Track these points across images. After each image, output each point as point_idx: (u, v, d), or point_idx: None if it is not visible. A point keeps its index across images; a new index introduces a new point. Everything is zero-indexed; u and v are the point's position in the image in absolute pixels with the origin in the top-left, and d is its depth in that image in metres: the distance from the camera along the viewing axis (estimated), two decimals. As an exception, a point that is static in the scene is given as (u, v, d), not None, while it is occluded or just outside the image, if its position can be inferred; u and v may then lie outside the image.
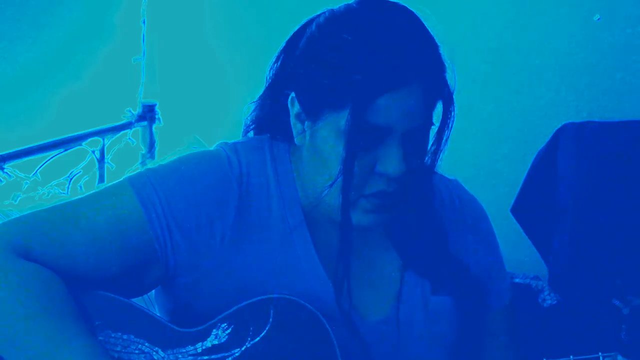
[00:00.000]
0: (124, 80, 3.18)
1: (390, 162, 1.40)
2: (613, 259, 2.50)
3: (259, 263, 1.48)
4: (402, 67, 1.37)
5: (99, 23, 3.08)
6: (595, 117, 2.78)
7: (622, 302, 2.32)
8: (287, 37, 1.51)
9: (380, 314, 1.52)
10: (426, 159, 1.46)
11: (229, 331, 1.44)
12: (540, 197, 2.66)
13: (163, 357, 1.43)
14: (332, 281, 1.49)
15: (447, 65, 1.43)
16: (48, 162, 2.89)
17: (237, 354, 1.43)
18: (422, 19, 1.43)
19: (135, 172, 1.49)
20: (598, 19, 2.86)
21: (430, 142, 1.45)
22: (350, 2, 1.45)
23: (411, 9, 1.44)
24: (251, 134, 1.59)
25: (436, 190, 1.57)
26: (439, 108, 1.44)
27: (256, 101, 1.56)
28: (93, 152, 3.02)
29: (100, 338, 1.42)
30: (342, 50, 1.38)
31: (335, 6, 1.46)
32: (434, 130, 1.45)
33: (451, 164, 1.53)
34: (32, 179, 2.85)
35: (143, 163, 3.16)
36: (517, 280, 2.60)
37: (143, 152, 3.24)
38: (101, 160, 3.05)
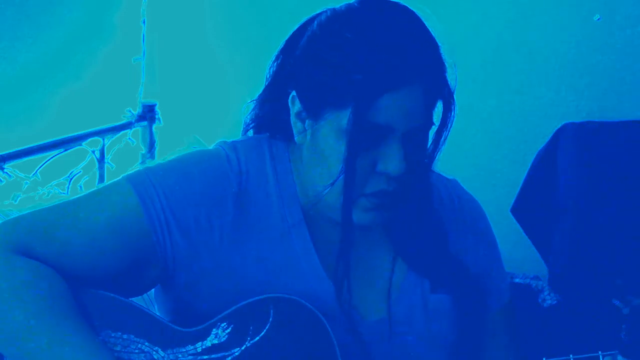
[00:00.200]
0: (124, 80, 3.18)
1: (391, 161, 1.40)
2: (613, 259, 2.51)
3: (258, 262, 1.48)
4: (404, 67, 1.37)
5: (99, 23, 3.08)
6: (595, 117, 2.78)
7: (622, 302, 2.32)
8: (287, 36, 1.51)
9: (379, 313, 1.52)
10: (425, 158, 1.46)
11: (228, 330, 1.44)
12: (540, 197, 2.66)
13: (163, 357, 1.43)
14: (331, 280, 1.49)
15: (447, 65, 1.43)
16: (48, 162, 2.89)
17: (237, 354, 1.43)
18: (423, 19, 1.43)
19: (133, 171, 1.49)
20: (598, 19, 2.86)
21: (430, 142, 1.45)
22: (352, 1, 1.45)
23: (412, 9, 1.44)
24: (251, 132, 1.59)
25: (435, 190, 1.57)
26: (438, 108, 1.44)
27: (256, 100, 1.57)
28: (93, 152, 3.02)
29: (100, 338, 1.42)
30: (343, 49, 1.38)
31: (336, 6, 1.46)
32: (433, 129, 1.45)
33: (451, 164, 1.53)
34: (32, 179, 2.85)
35: (143, 163, 3.15)
36: (517, 280, 2.61)
37: (143, 152, 3.24)
38: (101, 160, 3.05)
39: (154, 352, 1.43)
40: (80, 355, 1.34)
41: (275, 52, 1.52)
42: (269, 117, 1.55)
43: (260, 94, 1.56)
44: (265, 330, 1.43)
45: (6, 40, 2.83)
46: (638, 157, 2.56)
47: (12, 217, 1.45)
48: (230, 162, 1.49)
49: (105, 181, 2.96)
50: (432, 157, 1.46)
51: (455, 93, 1.45)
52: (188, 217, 1.45)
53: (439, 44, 1.43)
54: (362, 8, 1.42)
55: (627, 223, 2.52)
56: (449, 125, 1.44)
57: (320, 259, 1.50)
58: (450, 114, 1.44)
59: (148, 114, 3.22)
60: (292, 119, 1.46)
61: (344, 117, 1.38)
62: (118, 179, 1.49)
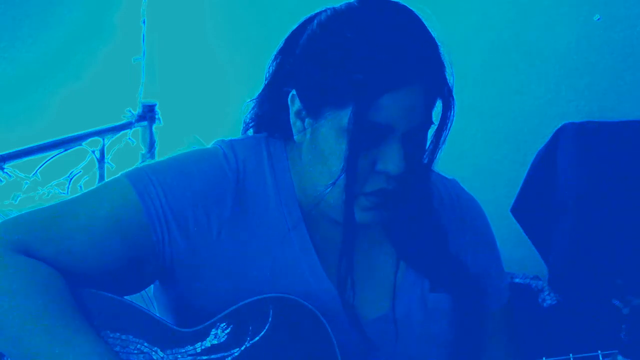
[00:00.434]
0: (124, 80, 3.18)
1: (391, 160, 1.40)
2: (613, 259, 2.51)
3: (256, 260, 1.48)
4: (404, 67, 1.37)
5: (99, 23, 3.08)
6: (595, 117, 2.78)
7: (622, 302, 2.32)
8: (286, 35, 1.51)
9: (378, 312, 1.52)
10: (425, 157, 1.46)
11: (228, 331, 1.44)
12: (540, 197, 2.66)
13: (162, 357, 1.43)
14: (331, 280, 1.49)
15: (447, 64, 1.44)
16: (48, 162, 2.89)
17: (236, 354, 1.43)
18: (423, 19, 1.43)
19: (132, 169, 1.50)
20: (598, 19, 2.86)
21: (429, 141, 1.45)
22: (352, 0, 1.45)
23: (412, 8, 1.44)
24: (250, 132, 1.59)
25: (435, 189, 1.57)
26: (438, 107, 1.44)
27: (255, 99, 1.57)
28: (93, 152, 3.02)
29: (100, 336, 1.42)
30: (344, 48, 1.38)
31: (336, 5, 1.46)
32: (432, 129, 1.45)
33: (451, 164, 1.53)
34: (32, 179, 2.85)
35: (143, 163, 3.15)
36: (517, 280, 2.61)
37: (143, 152, 3.24)
38: (101, 160, 3.05)
39: (153, 353, 1.43)
40: (81, 354, 1.34)
41: (275, 51, 1.52)
42: (268, 116, 1.55)
43: (260, 94, 1.56)
44: (264, 331, 1.43)
45: (6, 40, 2.83)
46: (638, 157, 2.56)
47: (11, 216, 1.45)
48: (227, 160, 1.49)
49: (105, 181, 2.97)
50: (432, 157, 1.46)
51: (455, 93, 1.45)
52: (187, 215, 1.45)
53: (439, 44, 1.43)
54: (363, 7, 1.43)
55: (627, 223, 2.52)
56: (449, 124, 1.45)
57: (320, 258, 1.50)
58: (450, 113, 1.44)
59: (148, 114, 3.21)
60: (292, 118, 1.47)
61: (344, 116, 1.38)
62: (117, 176, 1.49)
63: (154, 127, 3.24)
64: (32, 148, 2.83)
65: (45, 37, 2.93)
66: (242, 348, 1.43)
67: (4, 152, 2.74)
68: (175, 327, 1.45)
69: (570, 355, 1.45)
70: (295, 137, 1.47)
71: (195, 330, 1.44)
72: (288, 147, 1.52)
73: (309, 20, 1.48)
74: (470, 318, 1.56)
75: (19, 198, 2.81)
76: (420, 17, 1.43)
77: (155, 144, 3.24)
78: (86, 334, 1.36)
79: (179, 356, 1.43)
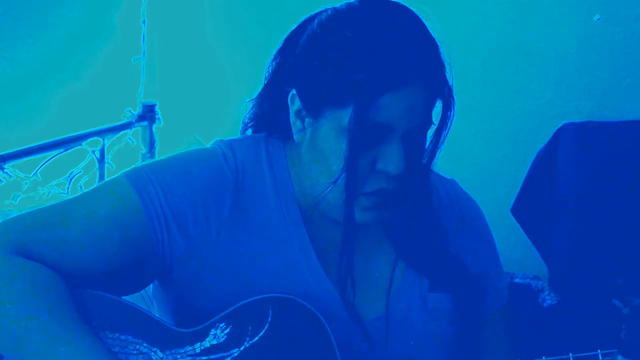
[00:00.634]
0: (124, 80, 3.18)
1: (391, 160, 1.40)
2: (613, 259, 2.51)
3: (255, 260, 1.48)
4: (405, 67, 1.37)
5: (99, 23, 3.08)
6: (595, 117, 2.78)
7: (622, 302, 2.31)
8: (286, 35, 1.51)
9: (377, 311, 1.52)
10: (424, 157, 1.46)
11: (227, 331, 1.43)
12: (540, 197, 2.66)
13: (161, 358, 1.43)
14: (331, 280, 1.49)
15: (447, 64, 1.44)
16: (48, 162, 2.89)
17: (235, 354, 1.43)
18: (423, 19, 1.43)
19: (131, 168, 1.50)
20: (598, 19, 2.86)
21: (429, 141, 1.45)
22: (352, 0, 1.45)
23: (412, 8, 1.44)
24: (249, 132, 1.59)
25: (434, 189, 1.57)
26: (438, 107, 1.44)
27: (254, 99, 1.57)
28: (93, 152, 3.02)
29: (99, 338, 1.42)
30: (344, 48, 1.38)
31: (336, 5, 1.46)
32: (432, 129, 1.45)
33: (451, 164, 1.53)
34: (32, 179, 2.85)
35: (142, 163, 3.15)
36: (517, 280, 2.61)
37: (143, 152, 3.24)
38: (101, 160, 3.04)
39: (152, 353, 1.43)
40: (79, 356, 1.34)
41: (274, 51, 1.52)
42: (268, 116, 1.55)
43: (259, 93, 1.56)
44: (264, 331, 1.43)
45: (6, 40, 2.83)
46: (638, 157, 2.56)
47: (11, 217, 1.45)
48: (227, 160, 1.49)
49: (105, 181, 2.97)
50: (431, 157, 1.46)
51: (455, 93, 1.45)
52: (186, 214, 1.45)
53: (439, 44, 1.43)
54: (363, 7, 1.43)
55: (627, 223, 2.52)
56: (449, 124, 1.45)
57: (319, 258, 1.50)
58: (450, 113, 1.44)
59: (148, 114, 3.21)
60: (292, 117, 1.47)
61: (344, 116, 1.38)
62: (116, 175, 1.49)
63: (154, 127, 3.24)
64: (32, 148, 2.83)
65: (45, 37, 2.93)
66: (242, 348, 1.43)
67: (4, 152, 2.74)
68: (174, 327, 1.45)
69: (570, 354, 1.45)
70: (295, 136, 1.47)
71: (195, 330, 1.44)
72: (287, 147, 1.52)
73: (309, 20, 1.48)
74: (469, 318, 1.56)
75: (19, 198, 2.81)
76: (420, 17, 1.43)
77: (155, 144, 3.24)
78: (85, 335, 1.36)
79: (178, 356, 1.43)
